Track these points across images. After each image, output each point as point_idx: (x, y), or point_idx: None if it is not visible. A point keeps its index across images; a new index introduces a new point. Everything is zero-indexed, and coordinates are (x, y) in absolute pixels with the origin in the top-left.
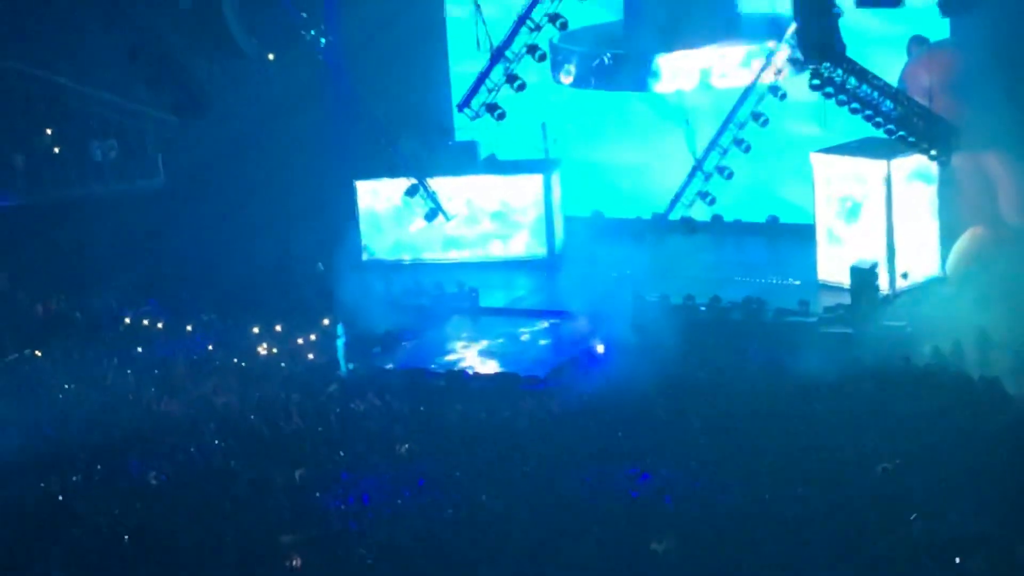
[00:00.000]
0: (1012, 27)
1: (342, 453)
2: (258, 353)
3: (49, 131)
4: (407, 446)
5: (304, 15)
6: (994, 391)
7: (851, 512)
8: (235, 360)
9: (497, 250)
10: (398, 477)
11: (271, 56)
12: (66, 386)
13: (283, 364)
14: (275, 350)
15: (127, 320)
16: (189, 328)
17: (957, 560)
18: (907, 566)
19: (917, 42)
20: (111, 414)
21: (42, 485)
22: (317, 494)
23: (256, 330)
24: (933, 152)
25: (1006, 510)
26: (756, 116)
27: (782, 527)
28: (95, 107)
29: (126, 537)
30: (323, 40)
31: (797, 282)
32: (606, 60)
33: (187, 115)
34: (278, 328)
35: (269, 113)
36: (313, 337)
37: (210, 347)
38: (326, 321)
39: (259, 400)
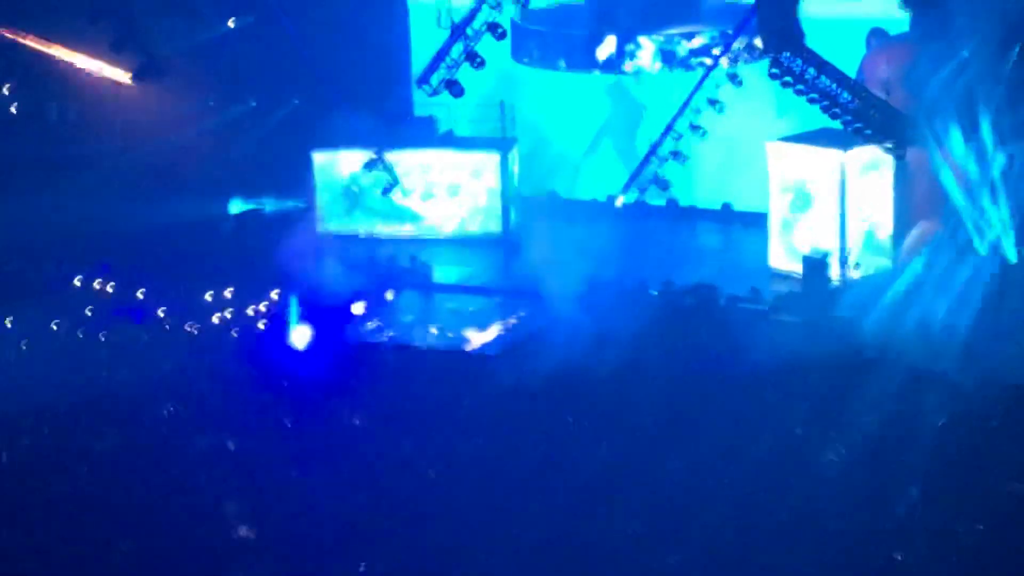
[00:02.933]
0: (971, 22)
1: (289, 424)
2: (210, 320)
3: (6, 90)
4: (357, 420)
5: None
6: (942, 383)
7: (797, 500)
8: (186, 326)
9: (452, 226)
10: (347, 450)
11: (231, 22)
12: (22, 347)
13: (234, 332)
14: (228, 315)
15: (77, 282)
16: (140, 294)
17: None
18: (852, 555)
19: (876, 34)
20: (60, 376)
21: None
22: (265, 464)
23: (209, 296)
24: (888, 145)
25: (951, 501)
26: (712, 102)
27: (728, 513)
28: (53, 67)
29: (72, 502)
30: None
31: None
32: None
33: (147, 79)
34: (228, 294)
35: (227, 80)
36: (263, 307)
37: (161, 312)
38: (275, 294)
39: (209, 367)
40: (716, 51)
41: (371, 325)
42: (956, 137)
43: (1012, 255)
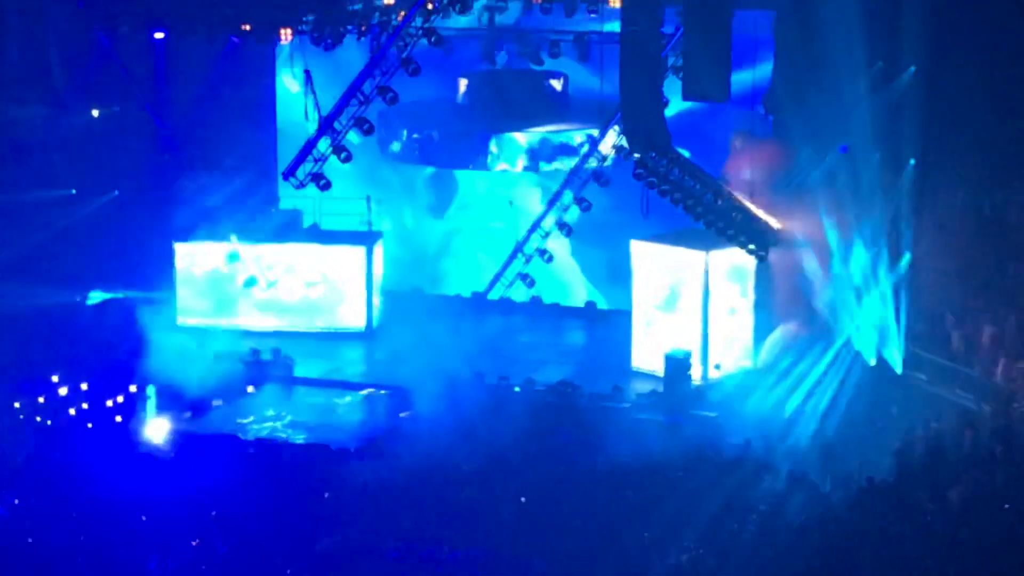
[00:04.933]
0: (830, 125)
1: (144, 518)
2: (65, 411)
3: None
4: (214, 513)
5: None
6: (802, 485)
7: None
8: (39, 418)
9: (316, 320)
10: (203, 545)
11: (95, 112)
12: None
13: (89, 424)
14: (84, 407)
15: None
16: None
17: None
18: None
19: (740, 136)
20: None
21: None
22: (121, 557)
23: (64, 390)
24: (751, 246)
25: None
26: (579, 200)
27: None
28: None
29: None
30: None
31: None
32: (435, 137)
33: (6, 165)
34: (84, 387)
35: (90, 167)
36: (121, 399)
37: (16, 404)
38: (134, 387)
39: (64, 461)
40: (584, 150)
41: (231, 419)
42: (829, 239)
43: (870, 356)
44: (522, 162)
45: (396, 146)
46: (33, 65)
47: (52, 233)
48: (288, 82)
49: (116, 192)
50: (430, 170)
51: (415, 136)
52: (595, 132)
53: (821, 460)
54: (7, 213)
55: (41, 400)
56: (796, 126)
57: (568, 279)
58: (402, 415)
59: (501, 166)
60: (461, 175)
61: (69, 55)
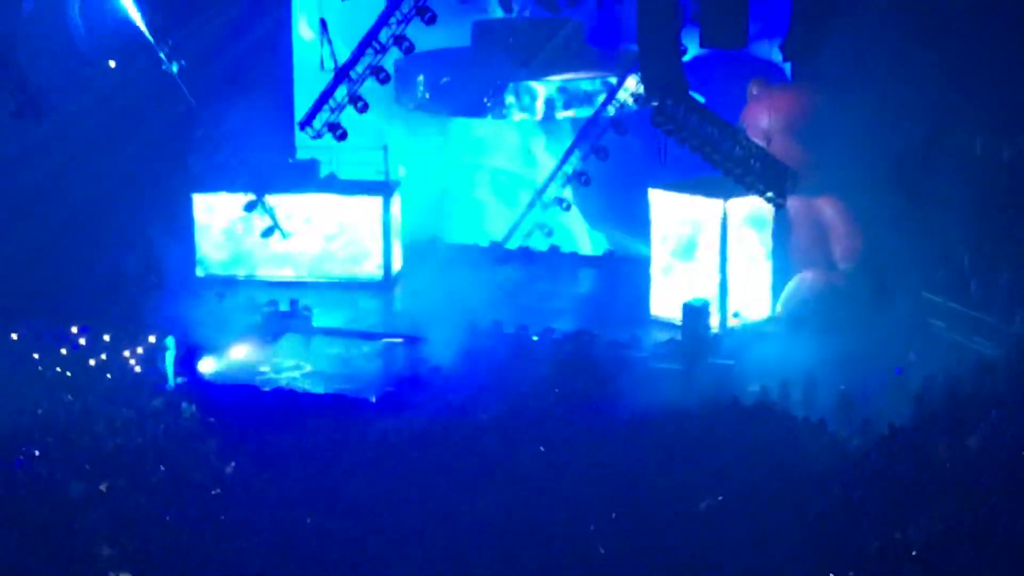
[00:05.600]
0: (851, 73)
1: (163, 468)
2: (85, 363)
3: None
4: (233, 464)
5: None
6: (819, 432)
7: (671, 547)
8: (59, 369)
9: (334, 270)
10: (221, 495)
11: (112, 63)
12: None
13: (109, 375)
14: (103, 359)
15: None
16: (15, 336)
17: None
18: None
19: (757, 84)
20: None
21: None
22: (138, 508)
23: (83, 340)
24: (769, 194)
25: (830, 549)
26: (597, 149)
27: (603, 559)
28: None
29: None
30: (175, 65)
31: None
32: (450, 86)
33: (26, 117)
34: (106, 338)
35: (108, 120)
36: (141, 350)
37: (35, 355)
38: (152, 337)
39: (82, 411)
40: (601, 98)
41: (251, 369)
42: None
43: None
44: (540, 110)
45: (412, 95)
46: (50, 16)
47: (69, 185)
48: (303, 30)
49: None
50: (445, 119)
51: (431, 85)
52: (613, 80)
53: (839, 408)
54: (37, 169)
55: (63, 352)
56: (814, 72)
57: (584, 228)
58: (423, 367)
59: (518, 115)
60: (476, 124)
61: (86, 7)
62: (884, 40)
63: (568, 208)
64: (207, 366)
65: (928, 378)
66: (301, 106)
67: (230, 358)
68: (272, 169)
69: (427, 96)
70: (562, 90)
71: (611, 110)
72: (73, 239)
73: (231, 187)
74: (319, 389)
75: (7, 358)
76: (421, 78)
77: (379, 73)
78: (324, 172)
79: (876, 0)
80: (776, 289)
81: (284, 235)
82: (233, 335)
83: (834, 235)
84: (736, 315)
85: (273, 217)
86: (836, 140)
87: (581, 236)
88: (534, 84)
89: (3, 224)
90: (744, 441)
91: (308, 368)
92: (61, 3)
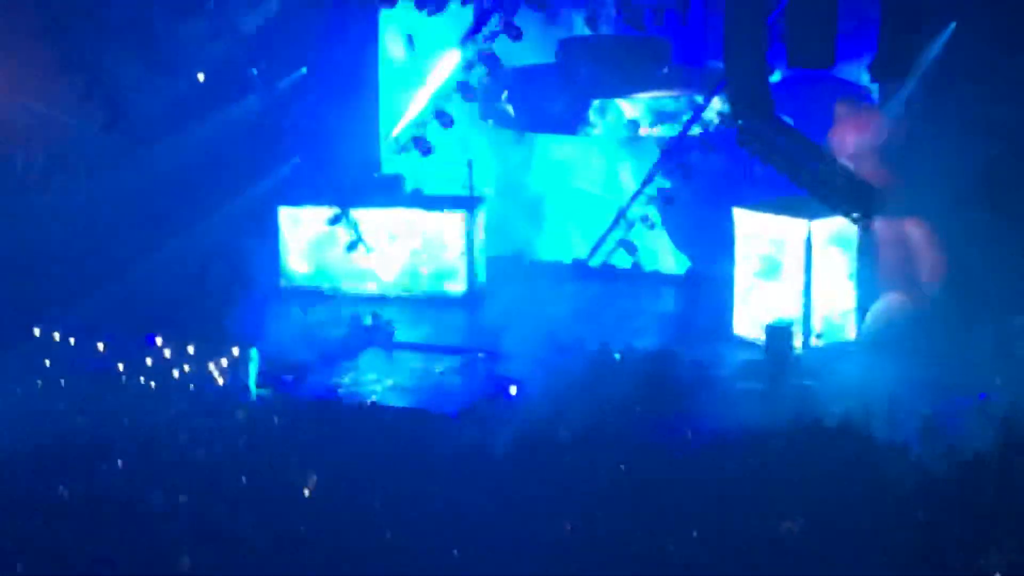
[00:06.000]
0: (940, 95)
1: (245, 480)
2: (169, 374)
3: None
4: (315, 477)
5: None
6: (902, 457)
7: (750, 569)
8: (143, 379)
9: (417, 285)
10: (303, 507)
11: (201, 76)
12: None
13: (192, 386)
14: (186, 370)
15: (36, 332)
16: (100, 346)
17: None
18: None
19: (844, 104)
20: (19, 427)
21: None
22: (219, 519)
23: (168, 352)
24: (855, 215)
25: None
26: (682, 168)
27: None
28: (19, 116)
29: (27, 555)
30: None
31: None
32: (536, 103)
33: (115, 131)
34: (190, 349)
35: (195, 132)
36: (224, 361)
37: (120, 365)
38: (236, 349)
39: (166, 421)
40: (686, 117)
41: (332, 383)
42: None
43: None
44: (625, 129)
45: (497, 111)
46: (139, 28)
47: (156, 194)
48: (391, 45)
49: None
50: (530, 136)
51: (515, 101)
52: (699, 99)
53: (922, 432)
54: (114, 179)
55: (149, 362)
56: (902, 94)
57: (670, 246)
58: (505, 383)
59: (599, 132)
60: (561, 141)
61: (174, 18)
62: (972, 57)
63: (652, 227)
64: (290, 378)
65: (1014, 403)
66: (387, 121)
67: (313, 371)
68: (357, 183)
69: (511, 112)
70: (648, 108)
71: (696, 129)
72: (158, 250)
73: (316, 200)
74: (400, 403)
75: (92, 368)
76: (505, 94)
77: (465, 89)
78: (409, 187)
79: (965, 17)
80: (861, 310)
81: (368, 249)
82: (317, 348)
83: (920, 256)
84: (819, 336)
85: (357, 231)
86: (924, 161)
87: (664, 254)
88: (619, 102)
89: (91, 233)
90: (825, 463)
91: (390, 382)
92: (148, 11)
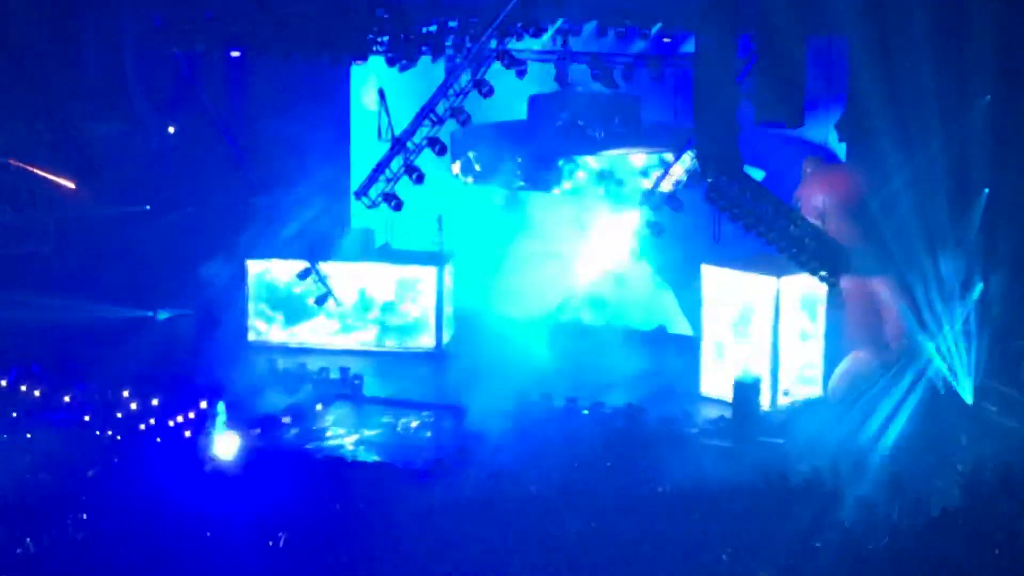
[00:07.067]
0: (904, 155)
1: (209, 534)
2: (135, 427)
3: None
4: (284, 535)
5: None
6: (869, 513)
7: None
8: (109, 433)
9: (386, 340)
10: (271, 563)
11: (171, 128)
12: None
13: (158, 439)
14: (151, 423)
15: (3, 383)
16: (67, 398)
17: None
18: None
19: (811, 162)
20: None
21: None
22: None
23: (134, 405)
24: (822, 273)
25: None
26: (652, 226)
27: None
28: None
29: None
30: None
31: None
32: (506, 159)
33: (85, 181)
34: (155, 403)
35: (164, 184)
36: (192, 415)
37: (86, 417)
38: (204, 403)
39: (132, 475)
40: (655, 173)
41: (299, 436)
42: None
43: (940, 386)
44: (594, 185)
45: (467, 167)
46: (110, 82)
47: (125, 249)
48: (363, 99)
49: (189, 209)
50: (500, 191)
51: (486, 158)
52: (669, 156)
53: (889, 488)
54: (82, 228)
55: (119, 415)
56: (868, 153)
57: (641, 302)
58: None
59: (568, 185)
60: (529, 197)
61: (145, 73)
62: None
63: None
64: (257, 431)
65: (978, 460)
66: (357, 175)
67: (280, 425)
68: (326, 237)
69: (479, 168)
70: (617, 165)
71: (665, 186)
72: (125, 302)
73: (285, 254)
74: (368, 457)
75: (59, 420)
76: (472, 154)
77: (435, 144)
78: (379, 242)
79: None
80: (828, 368)
81: (337, 303)
82: (284, 401)
83: (887, 315)
84: (787, 393)
85: (326, 285)
86: (890, 220)
87: (633, 310)
88: (588, 159)
89: (58, 284)
90: (792, 520)
91: (357, 436)
92: (120, 68)
